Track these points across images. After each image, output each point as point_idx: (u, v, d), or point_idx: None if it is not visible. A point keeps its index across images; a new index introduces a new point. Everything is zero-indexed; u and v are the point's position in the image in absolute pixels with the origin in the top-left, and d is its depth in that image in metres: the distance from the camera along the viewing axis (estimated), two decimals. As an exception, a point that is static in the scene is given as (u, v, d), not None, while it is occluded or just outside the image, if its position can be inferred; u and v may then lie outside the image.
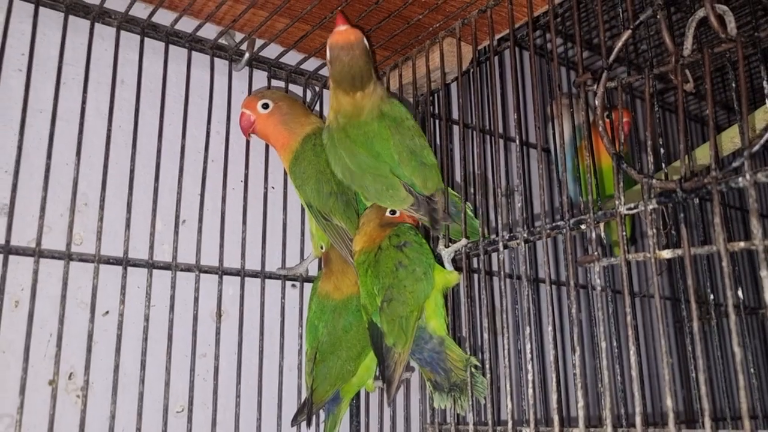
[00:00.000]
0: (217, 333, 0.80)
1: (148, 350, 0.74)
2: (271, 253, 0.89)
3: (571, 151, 1.03)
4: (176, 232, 0.79)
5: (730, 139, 0.72)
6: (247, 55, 0.89)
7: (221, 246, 0.82)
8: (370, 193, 0.79)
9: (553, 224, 0.68)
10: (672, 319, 1.45)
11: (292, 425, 0.82)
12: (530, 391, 0.67)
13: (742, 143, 0.66)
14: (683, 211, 0.57)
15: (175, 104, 0.85)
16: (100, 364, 0.75)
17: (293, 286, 0.91)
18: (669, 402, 0.53)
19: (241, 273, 0.84)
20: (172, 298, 0.77)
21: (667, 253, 0.56)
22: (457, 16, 0.86)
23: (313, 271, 0.92)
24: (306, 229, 0.92)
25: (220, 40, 0.88)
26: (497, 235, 0.74)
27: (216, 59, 0.89)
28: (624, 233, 0.60)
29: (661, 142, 0.76)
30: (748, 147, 0.51)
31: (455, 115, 1.07)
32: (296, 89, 0.98)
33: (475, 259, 0.83)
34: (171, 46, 0.86)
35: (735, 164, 0.51)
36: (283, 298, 0.87)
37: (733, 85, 1.10)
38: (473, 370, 0.73)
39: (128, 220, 0.76)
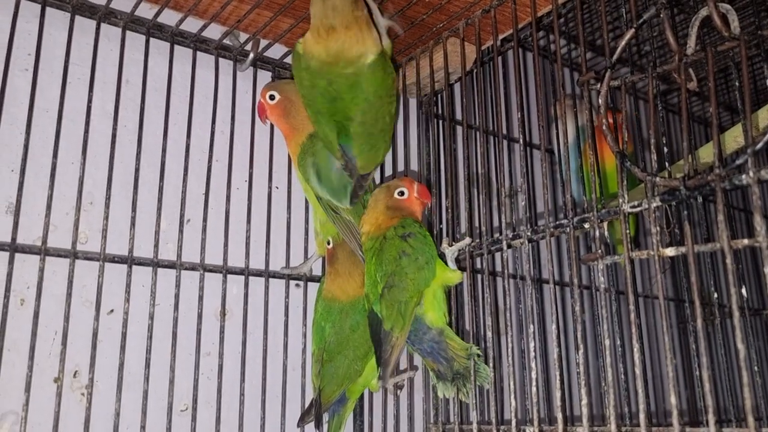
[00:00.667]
0: (221, 332, 0.80)
1: (153, 349, 0.74)
2: (275, 253, 0.89)
3: (574, 152, 1.04)
4: (181, 231, 0.80)
5: (734, 138, 0.72)
6: (251, 55, 0.89)
7: (225, 245, 0.82)
8: (320, 131, 0.81)
9: (557, 223, 0.68)
10: (676, 320, 1.45)
11: (298, 426, 0.82)
12: (534, 389, 0.67)
13: (745, 142, 0.66)
14: (687, 210, 0.57)
15: (180, 104, 0.86)
16: (105, 363, 0.75)
17: (297, 285, 0.92)
18: (673, 399, 0.53)
19: (246, 272, 0.84)
20: (177, 296, 0.77)
21: (670, 251, 0.56)
22: (461, 16, 0.86)
23: (317, 270, 0.92)
24: (310, 228, 0.92)
25: (224, 41, 0.89)
26: (501, 234, 0.75)
27: (220, 59, 0.90)
28: (627, 231, 0.60)
29: (664, 141, 0.76)
30: (751, 145, 0.51)
31: (459, 116, 1.07)
32: (300, 89, 0.98)
33: (478, 259, 0.83)
34: (176, 47, 0.86)
35: (738, 162, 0.51)
36: (287, 297, 0.87)
37: (737, 84, 1.10)
38: (475, 358, 0.74)
39: (133, 219, 0.76)
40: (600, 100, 0.64)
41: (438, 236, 0.88)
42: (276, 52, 0.94)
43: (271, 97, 0.85)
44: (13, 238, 0.69)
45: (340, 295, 0.83)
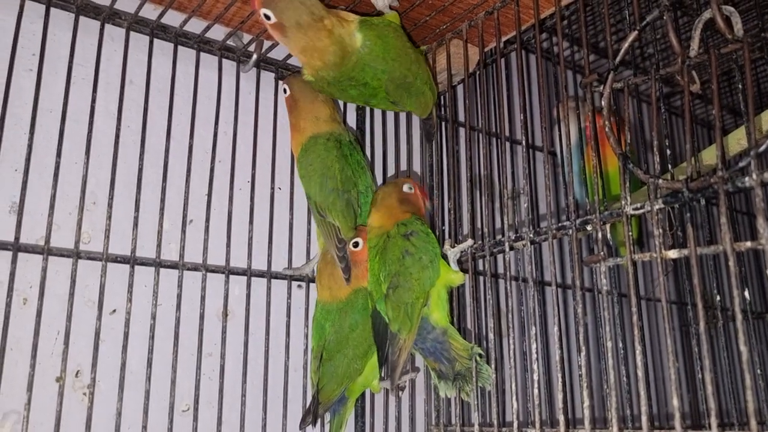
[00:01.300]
0: (224, 332, 0.80)
1: (155, 349, 0.74)
2: (278, 253, 0.89)
3: (577, 154, 1.03)
4: (183, 232, 0.80)
5: (737, 140, 0.72)
6: (254, 56, 0.89)
7: (228, 246, 0.83)
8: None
9: (559, 224, 0.68)
10: (678, 322, 1.45)
11: (301, 428, 0.82)
12: (535, 391, 0.67)
13: (748, 144, 0.66)
14: (689, 212, 0.57)
15: (183, 105, 0.86)
16: (107, 362, 0.75)
17: (299, 286, 0.92)
18: (675, 402, 0.53)
19: (248, 273, 0.84)
20: (179, 297, 0.77)
21: (673, 253, 0.56)
22: (464, 18, 0.87)
23: (319, 271, 0.92)
24: (312, 229, 0.92)
25: (228, 42, 0.89)
26: (503, 236, 0.75)
27: (224, 60, 0.90)
28: (630, 233, 0.60)
29: (667, 144, 0.76)
30: (754, 147, 0.51)
31: (461, 117, 1.07)
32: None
33: (480, 261, 0.83)
34: (180, 47, 0.86)
35: (742, 164, 0.51)
36: (289, 298, 0.87)
37: (740, 86, 1.10)
38: (477, 359, 0.74)
39: (136, 219, 0.77)
40: (603, 102, 0.64)
41: (440, 238, 0.88)
42: (279, 53, 0.94)
43: (284, 90, 0.88)
44: (17, 238, 0.69)
45: (332, 299, 0.83)
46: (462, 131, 1.10)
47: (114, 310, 0.78)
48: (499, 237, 0.76)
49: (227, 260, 0.82)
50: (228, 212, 0.83)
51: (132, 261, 0.75)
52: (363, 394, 0.89)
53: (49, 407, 0.69)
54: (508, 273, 0.74)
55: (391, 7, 0.84)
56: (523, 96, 0.77)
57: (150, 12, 0.84)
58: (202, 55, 0.88)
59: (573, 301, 0.87)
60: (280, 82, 0.90)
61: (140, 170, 0.78)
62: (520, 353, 0.96)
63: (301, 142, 0.85)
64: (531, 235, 0.71)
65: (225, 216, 0.84)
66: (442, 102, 1.01)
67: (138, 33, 0.83)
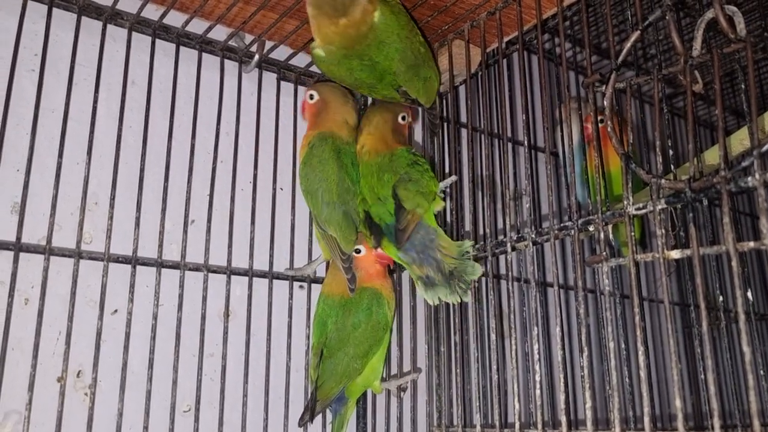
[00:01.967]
0: (225, 333, 0.80)
1: (156, 349, 0.74)
2: (279, 254, 0.89)
3: (579, 154, 1.03)
4: (185, 232, 0.80)
5: (740, 141, 0.72)
6: (256, 56, 0.89)
7: (230, 246, 0.82)
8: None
9: (561, 225, 0.68)
10: (681, 323, 1.44)
11: (300, 425, 0.82)
12: (538, 392, 0.67)
13: (751, 144, 0.66)
14: (692, 212, 0.57)
15: (185, 105, 0.86)
16: (109, 363, 0.75)
17: (301, 287, 0.92)
18: (678, 403, 0.53)
19: (249, 273, 0.84)
20: (181, 297, 0.77)
21: (675, 254, 0.56)
22: (466, 18, 0.86)
23: (321, 272, 0.92)
24: (314, 230, 0.92)
25: (230, 42, 0.89)
26: (505, 237, 0.74)
27: (226, 61, 0.90)
28: (632, 233, 0.60)
29: (669, 144, 0.75)
30: (757, 147, 0.51)
31: (464, 118, 1.07)
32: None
33: (482, 262, 0.83)
34: (182, 48, 0.86)
35: (744, 164, 0.51)
36: (290, 298, 0.87)
37: (743, 87, 1.09)
38: (466, 254, 0.76)
39: (138, 219, 0.77)
40: (605, 103, 0.64)
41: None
42: (281, 53, 0.94)
43: (311, 96, 0.88)
44: (18, 238, 0.69)
45: (338, 292, 0.83)
46: (464, 132, 1.10)
47: (115, 311, 0.78)
48: (501, 237, 0.76)
49: (229, 261, 0.82)
50: (230, 213, 0.83)
51: (133, 261, 0.75)
52: (364, 395, 0.89)
53: (51, 407, 0.69)
54: (510, 274, 0.74)
55: None
56: (525, 96, 0.76)
57: (152, 12, 0.84)
58: (204, 55, 0.88)
59: (575, 302, 0.87)
60: (304, 89, 0.90)
61: (142, 170, 0.78)
62: (522, 354, 0.96)
63: (302, 153, 0.85)
64: (533, 236, 0.71)
65: (227, 216, 0.84)
66: (445, 103, 1.01)
67: (140, 33, 0.84)
